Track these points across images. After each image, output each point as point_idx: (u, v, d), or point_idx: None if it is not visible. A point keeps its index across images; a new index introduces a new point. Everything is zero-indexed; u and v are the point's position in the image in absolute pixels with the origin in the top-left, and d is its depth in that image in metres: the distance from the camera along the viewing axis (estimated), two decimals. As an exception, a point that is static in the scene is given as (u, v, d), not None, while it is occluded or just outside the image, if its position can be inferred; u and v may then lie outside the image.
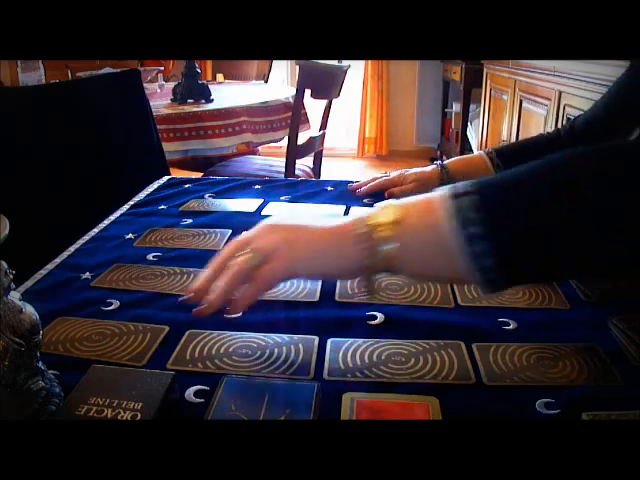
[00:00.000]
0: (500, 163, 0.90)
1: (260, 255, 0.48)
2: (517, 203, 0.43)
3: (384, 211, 0.46)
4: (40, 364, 0.42)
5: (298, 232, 0.49)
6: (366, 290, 0.49)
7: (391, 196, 0.95)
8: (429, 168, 0.96)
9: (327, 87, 2.15)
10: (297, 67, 1.99)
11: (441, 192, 0.45)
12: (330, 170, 3.10)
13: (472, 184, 0.44)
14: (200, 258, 0.72)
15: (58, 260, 0.73)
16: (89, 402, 0.42)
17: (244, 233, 0.52)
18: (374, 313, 0.58)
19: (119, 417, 0.41)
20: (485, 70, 3.10)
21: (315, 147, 2.18)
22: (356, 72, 4.24)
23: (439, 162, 0.96)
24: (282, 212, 0.49)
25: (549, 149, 0.86)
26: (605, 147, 0.44)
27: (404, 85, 4.49)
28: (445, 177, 0.93)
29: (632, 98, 0.77)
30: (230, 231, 0.81)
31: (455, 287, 0.63)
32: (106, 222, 0.87)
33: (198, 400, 0.45)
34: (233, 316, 0.56)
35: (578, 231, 0.42)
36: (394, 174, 0.99)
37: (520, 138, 2.52)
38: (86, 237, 0.81)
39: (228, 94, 2.35)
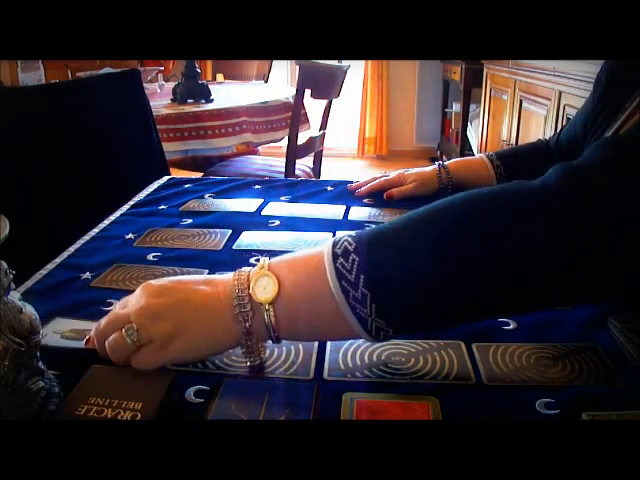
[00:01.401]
0: (500, 165, 0.89)
1: (138, 338, 0.45)
2: (396, 262, 0.43)
3: (265, 283, 0.45)
4: (40, 364, 0.42)
5: (182, 312, 0.46)
6: (250, 360, 0.48)
7: (390, 197, 0.95)
8: (429, 168, 0.96)
9: (327, 87, 2.15)
10: (297, 67, 1.99)
11: (321, 249, 0.45)
12: (330, 170, 3.10)
13: (353, 236, 0.45)
14: (200, 258, 0.72)
15: (58, 260, 0.72)
16: (89, 402, 0.42)
17: (125, 301, 0.49)
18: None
19: (119, 417, 0.41)
20: (485, 70, 3.10)
21: (315, 147, 2.19)
22: (356, 72, 4.24)
23: (439, 163, 0.95)
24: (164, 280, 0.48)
25: (543, 158, 0.86)
26: (468, 197, 0.44)
27: (404, 85, 4.49)
28: (445, 177, 0.93)
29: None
30: (230, 231, 0.81)
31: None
32: (106, 222, 0.87)
33: (198, 400, 0.45)
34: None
35: (444, 282, 0.42)
36: (393, 174, 0.98)
37: (520, 138, 2.52)
38: (86, 237, 0.81)
39: (228, 94, 2.35)
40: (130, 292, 0.64)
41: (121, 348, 0.46)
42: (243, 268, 0.48)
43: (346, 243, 0.44)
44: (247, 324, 0.45)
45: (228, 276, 0.48)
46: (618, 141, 0.50)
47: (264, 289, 0.45)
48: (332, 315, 0.44)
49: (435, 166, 0.95)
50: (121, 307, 0.49)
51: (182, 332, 0.46)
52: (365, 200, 0.95)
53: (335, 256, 0.44)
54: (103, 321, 0.48)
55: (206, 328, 0.46)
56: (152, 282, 0.49)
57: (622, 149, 0.44)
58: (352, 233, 0.46)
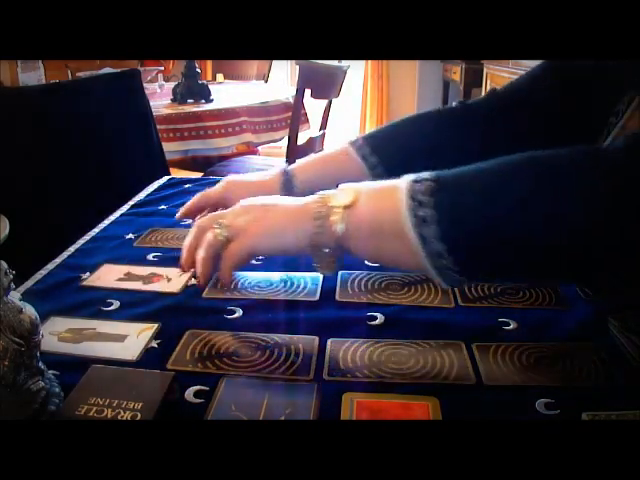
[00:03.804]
0: (369, 153, 0.70)
1: (228, 232, 0.53)
2: (471, 195, 0.44)
3: (343, 193, 0.49)
4: (40, 364, 0.42)
5: (266, 212, 0.53)
6: (319, 267, 0.50)
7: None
8: (268, 176, 0.73)
9: (327, 87, 2.15)
10: (297, 67, 1.99)
11: (403, 179, 0.46)
12: (330, 170, 3.09)
13: (432, 173, 0.46)
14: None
15: (58, 260, 0.73)
16: (89, 402, 0.42)
17: (221, 210, 0.57)
18: (374, 313, 0.58)
19: (119, 417, 0.41)
20: (485, 70, 3.10)
21: (315, 147, 2.18)
22: (356, 72, 4.24)
23: (284, 168, 0.73)
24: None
25: (439, 129, 0.75)
26: (576, 154, 0.44)
27: (404, 85, 4.49)
28: (289, 186, 0.71)
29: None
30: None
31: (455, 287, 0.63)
32: (106, 222, 0.87)
33: (198, 400, 0.45)
34: (229, 292, 0.62)
35: (529, 233, 0.42)
36: (216, 188, 0.74)
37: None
38: (86, 237, 0.81)
39: (228, 94, 2.35)
40: (130, 292, 0.64)
41: (214, 242, 0.53)
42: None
43: (425, 174, 0.46)
44: (318, 221, 0.48)
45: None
46: None
47: (341, 196, 0.48)
48: (397, 233, 0.45)
49: (278, 172, 0.72)
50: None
51: (262, 220, 0.52)
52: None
53: (412, 181, 0.45)
54: (199, 222, 0.57)
55: (284, 220, 0.51)
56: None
57: None
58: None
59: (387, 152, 0.71)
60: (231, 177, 0.76)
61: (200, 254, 0.54)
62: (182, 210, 0.77)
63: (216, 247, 0.53)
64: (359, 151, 0.70)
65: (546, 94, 0.68)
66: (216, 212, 0.57)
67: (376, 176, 0.69)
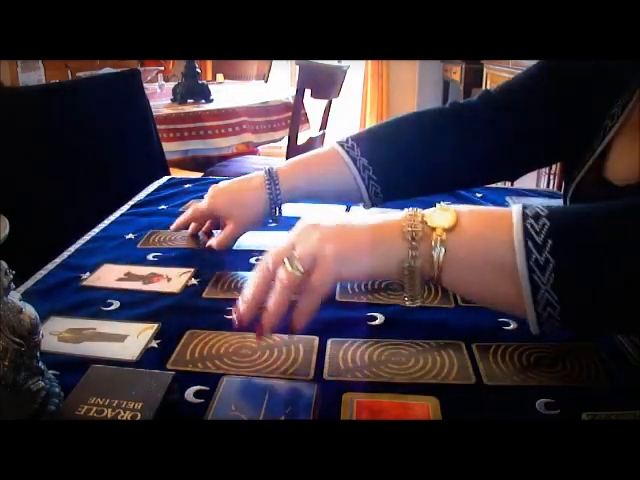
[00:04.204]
0: (358, 155, 0.69)
1: (305, 264, 0.45)
2: (590, 243, 0.40)
3: (443, 214, 0.44)
4: (40, 364, 0.42)
5: (342, 231, 0.46)
6: (409, 296, 0.45)
7: (212, 249, 0.72)
8: (253, 179, 0.71)
9: (327, 87, 2.15)
10: (297, 67, 2.00)
11: (511, 209, 0.43)
12: (330, 170, 3.09)
13: (545, 208, 0.42)
14: (200, 258, 0.72)
15: (58, 260, 0.72)
16: (89, 402, 0.42)
17: (284, 239, 0.48)
18: (374, 313, 0.58)
19: (119, 417, 0.41)
20: (485, 70, 3.10)
21: (315, 147, 2.18)
22: (356, 72, 4.24)
23: (269, 168, 0.70)
24: (313, 213, 0.46)
25: (436, 131, 0.71)
26: None
27: (404, 85, 4.49)
28: (274, 188, 0.69)
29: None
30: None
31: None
32: (106, 222, 0.87)
33: (198, 400, 0.45)
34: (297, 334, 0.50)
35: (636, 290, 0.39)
36: (203, 200, 0.73)
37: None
38: (86, 237, 0.81)
39: (228, 94, 2.36)
40: (130, 292, 0.64)
41: (291, 279, 0.44)
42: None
43: (537, 209, 0.41)
44: (414, 243, 0.42)
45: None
46: None
47: (441, 217, 0.43)
48: (503, 270, 0.41)
49: (262, 173, 0.70)
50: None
51: (342, 240, 0.44)
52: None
53: (525, 215, 0.41)
54: (263, 264, 0.47)
55: (370, 238, 0.44)
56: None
57: None
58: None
59: (377, 154, 0.70)
60: (215, 186, 0.74)
61: (273, 299, 0.45)
62: (176, 223, 0.78)
63: (293, 286, 0.45)
64: (348, 152, 0.69)
65: (543, 95, 0.68)
66: (280, 248, 0.47)
67: (365, 178, 0.69)
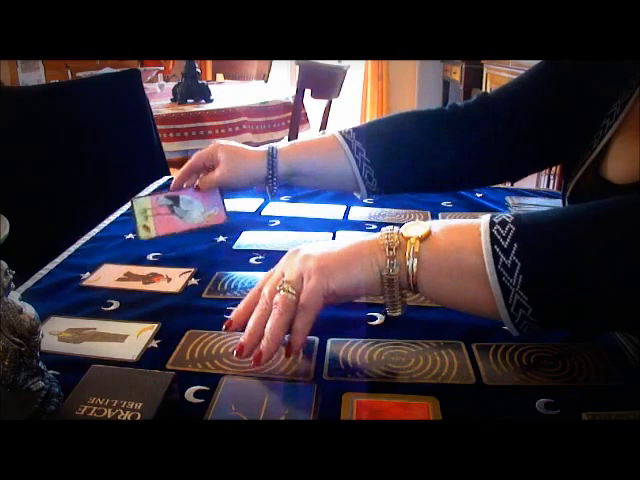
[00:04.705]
0: (354, 138, 0.74)
1: (296, 286, 0.47)
2: (555, 244, 0.42)
3: (416, 226, 0.47)
4: (40, 364, 0.42)
5: (324, 249, 0.49)
6: (389, 304, 0.47)
7: (199, 190, 0.77)
8: (256, 149, 0.77)
9: (327, 87, 2.15)
10: (297, 67, 2.00)
11: (480, 219, 0.45)
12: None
13: (511, 215, 0.44)
14: (200, 258, 0.72)
15: (58, 260, 0.73)
16: (89, 402, 0.42)
17: (270, 272, 0.51)
18: (374, 313, 0.58)
19: (119, 417, 0.41)
20: (485, 70, 3.10)
21: (315, 147, 2.18)
22: (356, 72, 4.24)
23: (272, 146, 0.75)
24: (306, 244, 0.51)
25: (434, 129, 0.74)
26: None
27: (404, 85, 4.49)
28: (273, 162, 0.74)
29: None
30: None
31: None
32: (106, 222, 0.87)
33: (198, 400, 0.45)
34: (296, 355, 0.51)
35: (614, 286, 0.40)
36: (205, 149, 0.78)
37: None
38: (86, 237, 0.81)
39: (228, 94, 2.35)
40: (130, 292, 0.64)
41: (285, 302, 0.47)
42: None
43: (504, 216, 0.44)
44: (391, 252, 0.45)
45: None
46: None
47: (414, 228, 0.46)
48: (475, 277, 0.43)
49: (265, 148, 0.75)
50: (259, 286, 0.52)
51: (329, 256, 0.48)
52: (365, 200, 0.95)
53: (492, 223, 0.44)
54: (253, 296, 0.51)
55: (353, 251, 0.48)
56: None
57: None
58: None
59: (371, 140, 0.74)
60: (220, 140, 0.79)
61: (269, 325, 0.47)
62: (178, 175, 0.79)
63: (289, 310, 0.47)
64: (345, 136, 0.74)
65: (542, 95, 0.68)
66: (268, 278, 0.51)
67: (358, 161, 0.73)
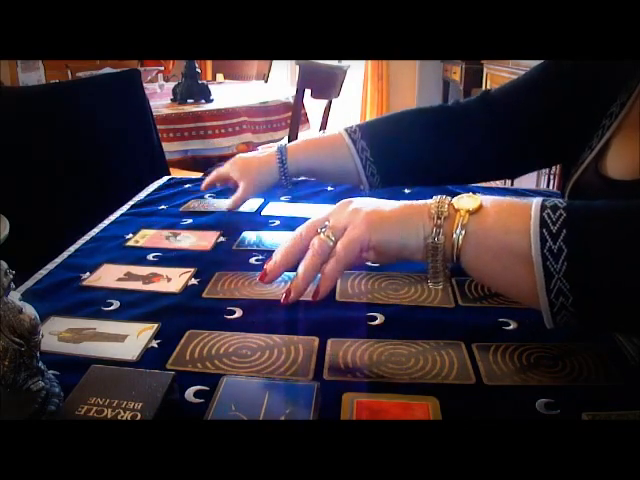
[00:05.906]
0: (359, 138, 0.77)
1: (336, 234, 0.49)
2: (605, 235, 0.41)
3: (469, 199, 0.47)
4: (40, 364, 0.42)
5: (375, 206, 0.49)
6: (431, 276, 0.47)
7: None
8: (267, 153, 0.81)
9: (327, 87, 2.15)
10: (297, 67, 2.00)
11: (532, 200, 0.44)
12: (330, 170, 3.09)
13: (563, 201, 0.44)
14: (200, 259, 0.72)
15: (58, 260, 0.72)
16: (89, 402, 0.42)
17: (321, 212, 0.53)
18: (374, 313, 0.58)
19: (119, 417, 0.41)
20: (485, 70, 3.10)
21: (315, 147, 2.18)
22: (356, 72, 4.24)
23: (280, 145, 0.80)
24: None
25: (438, 126, 0.76)
26: None
27: (404, 85, 4.49)
28: (283, 162, 0.79)
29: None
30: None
31: (455, 287, 0.63)
32: (106, 222, 0.87)
33: (198, 400, 0.45)
34: (320, 298, 0.51)
35: None
36: (225, 167, 0.85)
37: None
38: (86, 237, 0.81)
39: (228, 94, 2.36)
40: (130, 292, 0.64)
41: (323, 246, 0.48)
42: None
43: (557, 201, 0.43)
44: (439, 221, 0.46)
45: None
46: None
47: (466, 201, 0.46)
48: (519, 258, 0.43)
49: (274, 149, 0.80)
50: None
51: (375, 212, 0.48)
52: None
53: (543, 207, 0.43)
54: (299, 230, 0.52)
55: (401, 213, 0.48)
56: None
57: None
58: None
59: (375, 140, 0.77)
60: (239, 155, 0.85)
61: (303, 264, 0.49)
62: (205, 182, 0.89)
63: (324, 254, 0.49)
64: (350, 135, 0.77)
65: (542, 94, 0.69)
66: (316, 217, 0.52)
67: (363, 159, 0.76)
